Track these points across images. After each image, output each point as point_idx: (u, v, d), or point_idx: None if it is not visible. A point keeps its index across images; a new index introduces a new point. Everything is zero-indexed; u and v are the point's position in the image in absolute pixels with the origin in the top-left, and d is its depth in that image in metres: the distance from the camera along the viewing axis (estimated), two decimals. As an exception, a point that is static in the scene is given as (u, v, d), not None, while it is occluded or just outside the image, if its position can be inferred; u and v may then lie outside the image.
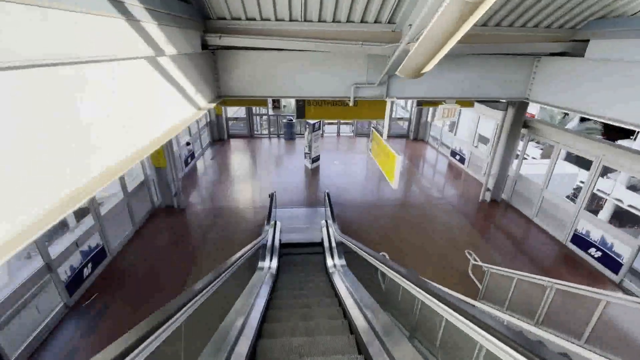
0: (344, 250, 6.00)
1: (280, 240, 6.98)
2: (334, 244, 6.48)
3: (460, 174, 11.20)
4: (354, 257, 5.18)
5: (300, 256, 6.55)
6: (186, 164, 10.76)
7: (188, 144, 10.83)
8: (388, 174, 4.18)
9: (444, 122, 13.01)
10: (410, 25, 2.87)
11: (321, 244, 6.95)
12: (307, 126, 10.89)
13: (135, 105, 2.32)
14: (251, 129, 14.69)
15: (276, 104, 15.37)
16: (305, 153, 11.39)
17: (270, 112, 14.98)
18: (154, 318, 1.48)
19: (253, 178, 10.55)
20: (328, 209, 7.21)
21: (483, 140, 12.80)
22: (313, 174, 10.88)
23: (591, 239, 6.50)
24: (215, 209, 8.42)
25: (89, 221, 5.81)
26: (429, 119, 14.34)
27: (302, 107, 7.53)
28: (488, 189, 8.94)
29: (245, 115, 14.51)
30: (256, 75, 4.13)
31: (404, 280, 2.61)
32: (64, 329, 4.80)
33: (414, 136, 14.83)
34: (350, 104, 4.20)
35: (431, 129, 14.28)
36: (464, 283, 5.86)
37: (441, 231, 7.68)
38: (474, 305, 4.31)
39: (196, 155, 11.78)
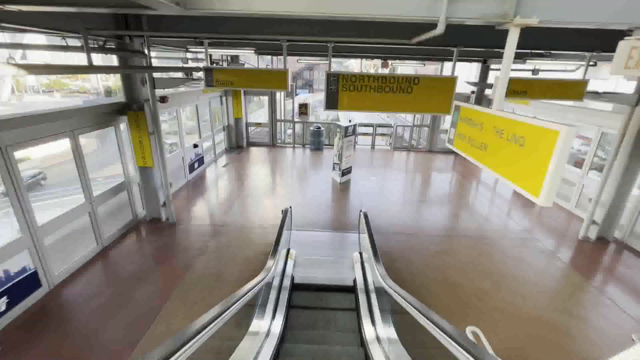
0: (389, 303, 3.67)
1: (292, 278, 4.75)
2: (373, 294, 4.16)
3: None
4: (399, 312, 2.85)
5: (320, 312, 4.19)
6: (192, 169, 9.01)
7: (195, 146, 9.12)
8: (522, 177, 1.92)
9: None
10: None
11: (353, 289, 4.63)
12: (338, 130, 8.84)
13: None
14: (274, 137, 12.91)
15: (303, 109, 13.63)
16: (334, 164, 9.28)
17: (297, 118, 13.20)
18: None
19: (269, 191, 8.53)
20: (364, 235, 4.95)
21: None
22: (342, 189, 8.69)
23: None
24: (215, 227, 6.41)
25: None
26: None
27: (334, 91, 5.50)
28: (594, 222, 6.24)
29: (268, 121, 12.80)
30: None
31: None
32: None
33: (466, 152, 12.26)
34: (438, 31, 2.09)
35: (488, 144, 11.69)
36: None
37: (533, 281, 5.09)
38: None
39: (206, 161, 10.05)
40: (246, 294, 2.51)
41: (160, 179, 6.21)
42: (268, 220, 6.71)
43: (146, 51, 5.01)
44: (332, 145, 11.05)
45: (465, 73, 15.41)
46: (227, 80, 5.49)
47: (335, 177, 9.27)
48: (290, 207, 5.58)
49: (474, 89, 11.56)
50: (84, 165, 4.88)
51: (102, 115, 5.30)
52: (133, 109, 5.58)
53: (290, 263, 4.97)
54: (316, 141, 12.46)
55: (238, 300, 2.29)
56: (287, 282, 4.62)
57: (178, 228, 6.34)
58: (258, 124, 13.14)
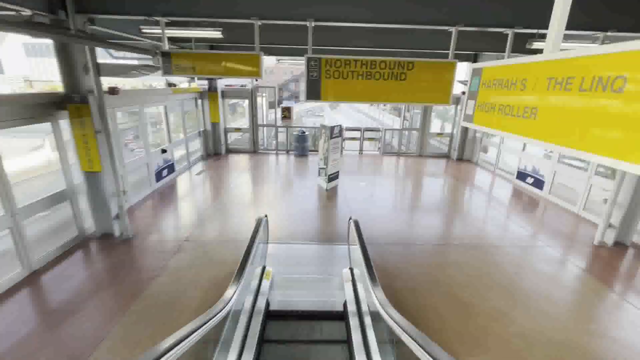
0: (392, 337, 2.81)
1: (267, 304, 3.81)
2: (369, 323, 3.27)
3: (537, 203, 7.88)
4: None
5: (303, 347, 3.25)
6: (159, 177, 8.00)
7: (164, 151, 8.13)
8: (623, 144, 1.13)
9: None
10: None
11: (343, 315, 3.72)
12: (323, 131, 8.05)
13: None
14: (255, 143, 12.02)
15: (286, 113, 12.85)
16: (319, 169, 8.45)
17: (279, 122, 12.39)
18: None
19: (247, 200, 7.60)
20: (355, 248, 4.10)
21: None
22: (329, 196, 7.85)
23: None
24: (179, 242, 5.41)
25: None
26: (478, 133, 11.30)
27: (316, 79, 4.71)
28: (610, 226, 5.59)
29: (248, 126, 11.91)
30: None
31: None
32: None
33: (459, 156, 11.71)
34: None
35: (481, 146, 11.16)
36: None
37: (555, 296, 4.31)
38: None
39: (177, 168, 9.04)
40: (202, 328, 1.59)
41: (113, 186, 5.21)
42: (243, 232, 5.77)
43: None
44: (318, 150, 10.25)
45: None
46: (189, 67, 4.63)
47: (321, 184, 8.43)
48: (266, 216, 4.68)
49: (465, 89, 11.05)
50: (2, 168, 3.87)
51: (32, 108, 4.32)
52: (74, 101, 4.63)
53: (265, 284, 4.04)
54: (300, 146, 11.64)
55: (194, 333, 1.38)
56: (260, 307, 3.67)
57: (134, 244, 5.31)
58: (237, 129, 12.26)
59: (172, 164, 8.65)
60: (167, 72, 4.63)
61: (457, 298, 4.18)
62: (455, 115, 11.81)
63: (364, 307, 3.62)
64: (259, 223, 4.18)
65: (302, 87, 4.89)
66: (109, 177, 5.15)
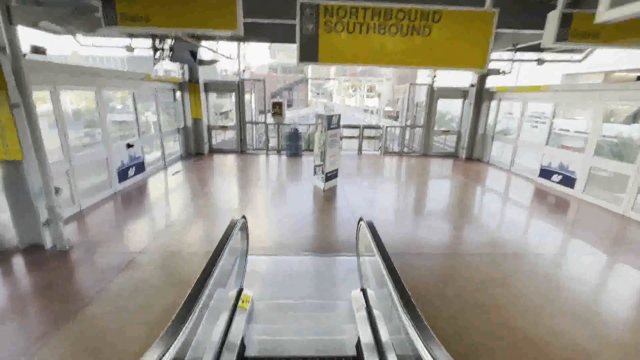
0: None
1: (242, 346, 2.51)
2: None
3: (567, 203, 6.76)
4: None
5: None
6: (123, 177, 6.67)
7: (130, 145, 6.84)
8: None
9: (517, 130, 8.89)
10: None
11: (357, 364, 2.45)
12: (319, 121, 6.86)
13: None
14: (242, 142, 10.77)
15: (277, 109, 11.68)
16: (315, 166, 7.23)
17: (269, 119, 11.20)
18: None
19: (229, 203, 6.32)
20: (369, 260, 2.87)
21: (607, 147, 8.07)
22: (327, 198, 6.62)
23: None
24: (131, 256, 4.10)
25: None
26: (487, 129, 10.25)
27: (313, 33, 3.53)
28: (683, 227, 4.45)
29: (235, 123, 10.69)
30: None
31: None
32: None
33: (468, 155, 10.62)
34: None
35: (493, 144, 10.10)
36: None
37: (645, 325, 3.12)
38: None
39: (149, 168, 7.73)
40: None
41: (40, 182, 3.90)
42: (216, 242, 4.48)
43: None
44: (312, 150, 9.03)
45: (459, 75, 14.09)
46: (140, 15, 3.41)
47: (317, 184, 7.20)
48: (244, 218, 3.42)
49: (474, 81, 10.10)
50: None
51: None
52: (-21, 63, 3.37)
53: (240, 317, 2.74)
54: (293, 145, 10.42)
55: None
56: (232, 349, 2.38)
57: (70, 259, 3.97)
58: (223, 127, 11.02)
59: (142, 162, 7.34)
60: (110, 22, 3.40)
61: (517, 333, 2.94)
62: (462, 110, 10.77)
63: (388, 346, 2.37)
64: (231, 227, 2.92)
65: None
66: (36, 170, 3.85)
